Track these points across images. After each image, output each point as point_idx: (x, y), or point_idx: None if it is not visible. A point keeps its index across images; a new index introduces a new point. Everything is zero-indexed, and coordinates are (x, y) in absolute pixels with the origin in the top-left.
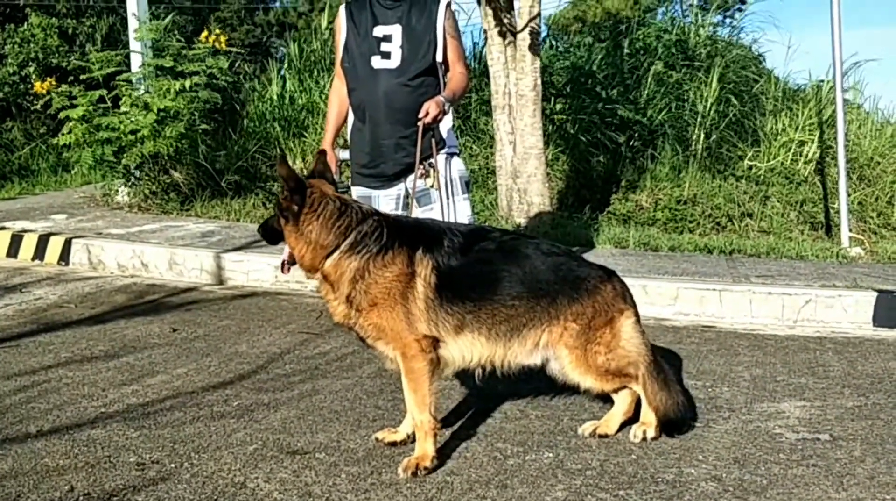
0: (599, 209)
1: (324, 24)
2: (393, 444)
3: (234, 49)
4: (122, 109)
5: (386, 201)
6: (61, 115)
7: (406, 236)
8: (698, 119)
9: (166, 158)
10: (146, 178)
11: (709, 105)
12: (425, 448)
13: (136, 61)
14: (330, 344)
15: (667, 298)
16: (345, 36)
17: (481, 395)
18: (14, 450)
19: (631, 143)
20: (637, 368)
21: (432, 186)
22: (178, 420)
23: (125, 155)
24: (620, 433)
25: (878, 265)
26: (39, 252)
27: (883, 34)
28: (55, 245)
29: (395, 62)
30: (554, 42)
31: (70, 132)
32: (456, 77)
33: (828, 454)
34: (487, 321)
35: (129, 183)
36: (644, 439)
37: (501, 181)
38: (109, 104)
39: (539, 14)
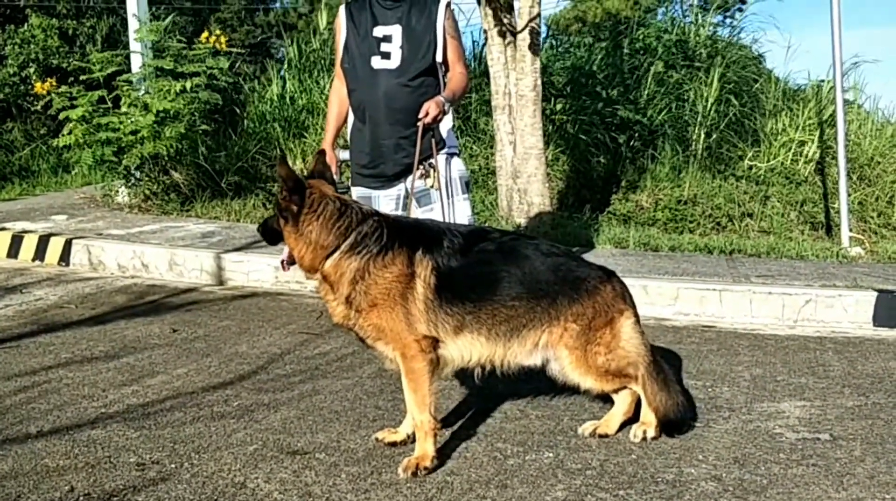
0: (599, 209)
1: (322, 23)
2: (393, 444)
3: (234, 50)
4: (123, 109)
5: (386, 201)
6: (61, 115)
7: (406, 236)
8: (698, 119)
9: (166, 158)
10: (146, 178)
11: (709, 105)
12: (425, 448)
13: (136, 62)
14: (330, 345)
15: (667, 298)
16: (345, 36)
17: (481, 395)
18: (14, 451)
19: (631, 143)
20: (637, 368)
21: (432, 187)
22: (178, 421)
23: (125, 156)
24: (620, 433)
25: (878, 265)
26: (40, 253)
27: (883, 34)
28: (55, 246)
29: (395, 62)
30: (554, 42)
31: (70, 133)
32: (456, 77)
33: (828, 453)
34: (487, 322)
35: (130, 184)
36: (644, 439)
37: (501, 181)
38: (110, 105)
39: (539, 14)
